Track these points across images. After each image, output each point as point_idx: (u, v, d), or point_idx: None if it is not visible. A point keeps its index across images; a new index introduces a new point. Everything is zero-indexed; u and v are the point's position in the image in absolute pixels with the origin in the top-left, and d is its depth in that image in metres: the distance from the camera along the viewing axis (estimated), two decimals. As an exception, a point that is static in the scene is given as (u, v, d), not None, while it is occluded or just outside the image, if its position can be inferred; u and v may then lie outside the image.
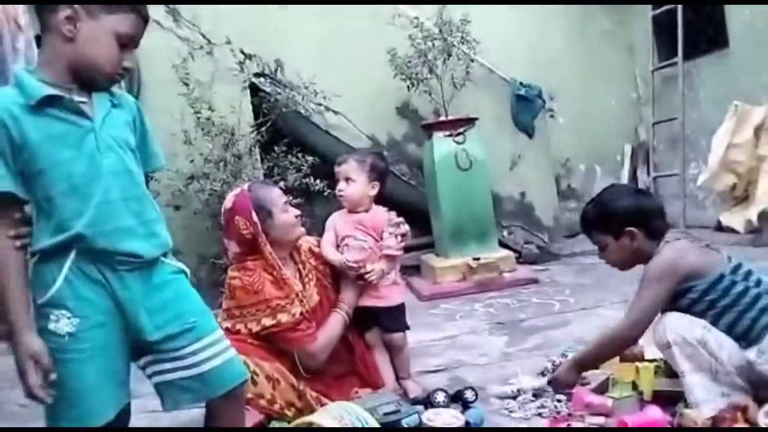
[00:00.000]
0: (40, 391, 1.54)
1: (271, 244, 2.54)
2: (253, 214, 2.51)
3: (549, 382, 2.44)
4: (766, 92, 5.61)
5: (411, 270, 5.92)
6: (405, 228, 2.76)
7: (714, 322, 2.12)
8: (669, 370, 2.37)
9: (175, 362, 1.68)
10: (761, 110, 5.55)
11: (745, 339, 2.11)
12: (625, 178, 7.26)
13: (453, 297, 4.91)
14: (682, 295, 2.18)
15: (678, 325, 2.13)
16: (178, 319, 1.68)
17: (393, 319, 2.80)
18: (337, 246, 2.79)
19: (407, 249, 6.09)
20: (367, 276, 2.68)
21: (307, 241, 2.80)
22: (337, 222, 2.83)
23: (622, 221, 2.29)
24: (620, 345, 2.27)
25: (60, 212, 1.58)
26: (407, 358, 2.85)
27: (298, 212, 2.67)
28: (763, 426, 1.93)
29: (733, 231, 5.58)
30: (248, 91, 5.40)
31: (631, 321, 2.20)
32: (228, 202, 2.58)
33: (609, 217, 2.31)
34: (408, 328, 2.87)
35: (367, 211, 2.81)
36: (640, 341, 2.67)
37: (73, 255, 1.59)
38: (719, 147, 5.66)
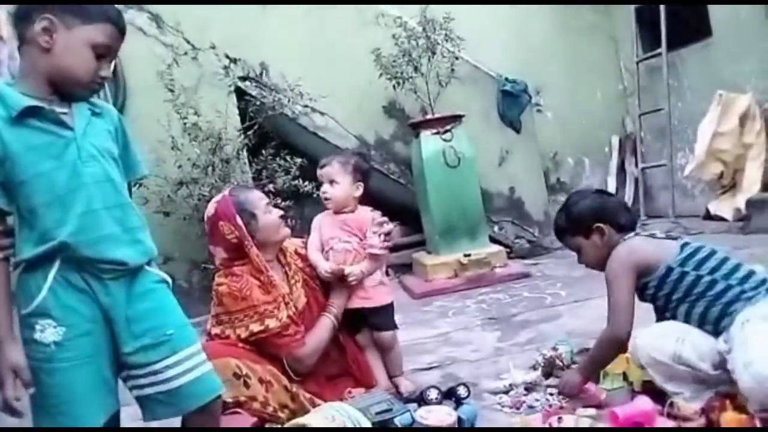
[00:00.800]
0: (15, 403, 1.54)
1: (256, 246, 2.54)
2: (237, 217, 2.51)
3: (559, 393, 2.43)
4: (750, 80, 5.64)
5: (403, 268, 5.94)
6: (389, 227, 2.76)
7: (674, 316, 2.18)
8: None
9: (149, 377, 1.68)
10: (745, 98, 5.59)
11: (710, 327, 2.11)
12: (613, 170, 7.29)
13: (445, 294, 4.92)
14: (642, 292, 2.27)
15: (648, 346, 2.16)
16: (154, 330, 1.68)
17: (381, 318, 2.80)
18: (323, 247, 2.79)
19: (398, 248, 6.17)
20: (348, 280, 2.68)
21: (293, 243, 2.80)
22: (322, 223, 2.84)
23: (588, 220, 2.39)
24: (615, 346, 2.27)
25: (43, 222, 1.58)
26: (398, 356, 2.86)
27: (281, 212, 2.67)
28: (753, 412, 1.94)
29: (721, 219, 5.62)
30: (234, 95, 5.39)
31: (614, 322, 2.24)
32: (210, 209, 2.58)
33: (576, 218, 2.43)
34: (396, 327, 2.87)
35: (352, 211, 2.81)
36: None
37: (57, 264, 1.60)
38: (705, 136, 5.70)
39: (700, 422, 2.00)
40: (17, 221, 1.61)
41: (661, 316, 2.27)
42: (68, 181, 1.59)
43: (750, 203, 5.21)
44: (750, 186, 5.50)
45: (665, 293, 2.20)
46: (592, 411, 2.14)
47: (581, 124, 7.22)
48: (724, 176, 5.82)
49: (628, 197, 7.18)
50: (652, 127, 6.92)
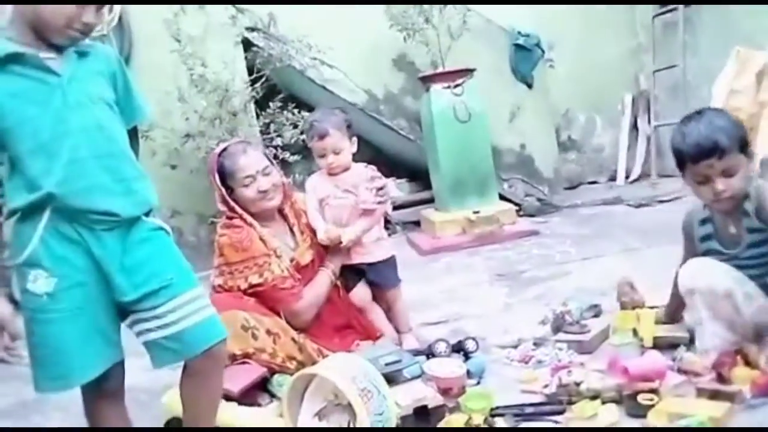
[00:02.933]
0: (3, 353, 1.56)
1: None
2: (217, 178, 2.52)
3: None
4: (768, 36, 5.50)
5: (411, 225, 5.92)
6: (382, 182, 2.71)
7: None
8: (669, 317, 2.38)
9: (153, 321, 1.65)
10: (763, 55, 5.45)
11: None
12: (625, 128, 7.19)
13: (453, 251, 4.89)
14: None
15: (706, 273, 2.11)
16: (154, 277, 1.65)
17: (380, 274, 2.77)
18: (320, 207, 2.76)
19: (407, 205, 6.14)
20: (343, 244, 2.65)
21: (301, 199, 2.78)
22: (316, 184, 2.78)
23: (749, 139, 2.07)
24: None
25: (29, 171, 1.55)
26: (403, 312, 2.83)
27: (265, 188, 2.54)
28: (765, 368, 1.93)
29: (733, 178, 5.54)
30: (241, 46, 5.31)
31: None
32: (209, 159, 2.59)
33: (745, 135, 2.05)
34: (399, 282, 2.84)
35: (347, 169, 2.75)
36: (640, 289, 2.69)
37: (47, 214, 1.57)
38: (720, 93, 5.57)
39: (710, 377, 1.98)
40: (8, 169, 1.58)
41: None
42: (53, 128, 1.55)
43: (763, 163, 5.12)
44: (764, 145, 5.40)
45: None
46: (599, 365, 2.13)
47: (594, 81, 7.07)
48: (739, 135, 5.71)
49: (640, 156, 7.09)
50: (666, 84, 6.78)
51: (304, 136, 4.86)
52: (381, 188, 2.72)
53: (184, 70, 4.91)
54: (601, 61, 7.10)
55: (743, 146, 2.01)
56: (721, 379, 1.97)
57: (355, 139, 2.77)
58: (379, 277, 2.79)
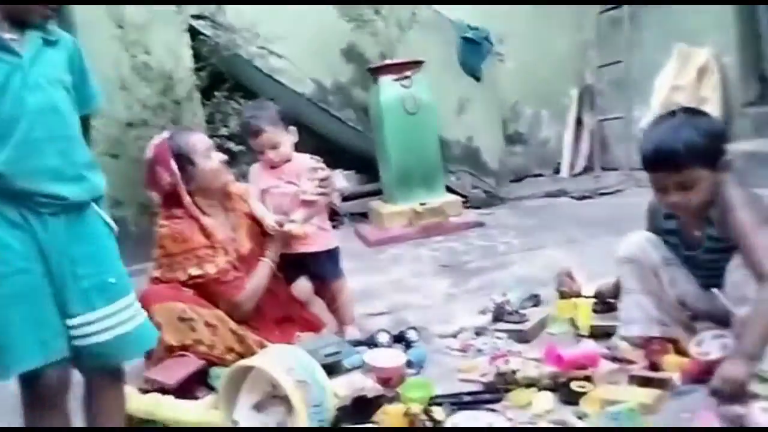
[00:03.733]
0: None
1: (196, 192, 2.50)
2: (172, 162, 2.45)
3: (714, 393, 1.70)
4: (709, 34, 5.66)
5: (359, 217, 5.91)
6: (324, 173, 2.70)
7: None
8: (604, 308, 2.43)
9: (90, 326, 1.61)
10: (704, 52, 5.61)
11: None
12: (570, 122, 7.31)
13: (399, 242, 4.91)
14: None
15: (642, 247, 2.14)
16: (95, 276, 1.62)
17: (323, 265, 2.77)
18: (261, 197, 2.73)
19: (355, 196, 6.13)
20: (288, 227, 2.62)
21: (238, 188, 2.74)
22: (258, 175, 2.76)
23: (723, 147, 1.89)
24: None
25: None
26: (347, 304, 2.83)
27: (223, 157, 2.59)
28: (695, 355, 1.98)
29: (674, 172, 5.68)
30: (187, 34, 5.20)
31: None
32: (148, 152, 2.51)
33: (716, 142, 1.88)
34: (341, 275, 2.83)
35: (289, 160, 2.73)
36: (578, 278, 2.74)
37: None
38: (662, 89, 5.73)
39: (642, 365, 2.03)
40: None
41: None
42: (10, 108, 1.51)
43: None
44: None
45: None
46: (536, 354, 2.16)
47: (541, 75, 7.16)
48: (678, 130, 5.87)
49: (584, 149, 7.22)
50: (610, 79, 6.92)
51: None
52: (324, 179, 2.70)
53: (126, 57, 4.78)
54: (548, 56, 7.19)
55: (710, 159, 1.85)
56: (653, 366, 2.02)
57: (293, 128, 2.74)
58: (322, 269, 2.78)
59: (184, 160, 2.47)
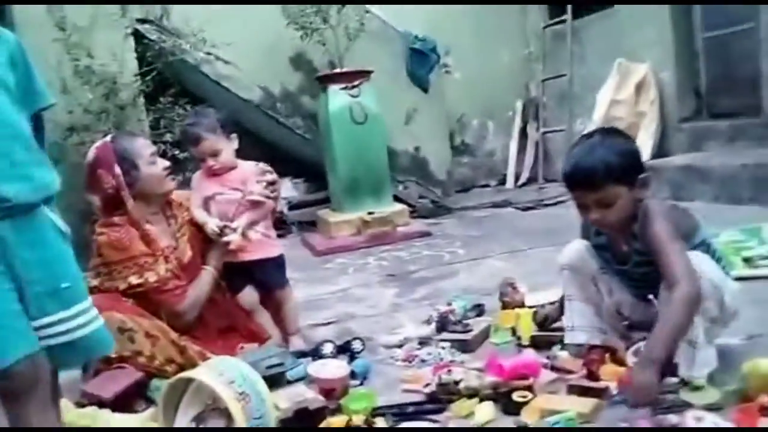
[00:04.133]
0: None
1: (138, 197, 2.45)
2: (116, 166, 2.40)
3: (633, 405, 1.76)
4: (647, 50, 5.85)
5: (307, 226, 5.89)
6: (273, 177, 2.68)
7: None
8: (543, 320, 2.47)
9: (46, 329, 1.57)
10: (642, 67, 5.79)
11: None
12: (515, 134, 7.45)
13: (347, 251, 4.92)
14: None
15: (581, 256, 2.19)
16: (48, 280, 1.57)
17: (267, 273, 2.74)
18: (205, 205, 2.69)
19: (303, 205, 6.11)
20: (227, 239, 2.59)
21: (181, 196, 2.70)
22: (201, 182, 2.72)
23: (639, 166, 1.96)
24: (695, 305, 1.82)
25: None
26: (292, 313, 2.81)
27: (167, 164, 2.55)
28: (631, 365, 2.03)
29: (614, 184, 5.83)
30: (131, 38, 5.11)
31: (688, 277, 1.81)
32: (90, 155, 2.45)
33: (631, 161, 1.93)
34: (286, 283, 2.82)
35: (234, 167, 2.70)
36: (521, 289, 2.79)
37: None
38: (603, 103, 5.88)
39: (581, 374, 2.08)
40: None
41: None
42: None
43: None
44: (643, 154, 5.74)
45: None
46: (479, 364, 2.18)
47: (487, 87, 7.30)
48: (619, 143, 6.04)
49: (529, 161, 7.36)
50: (554, 92, 7.08)
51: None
52: (272, 182, 2.68)
53: (68, 60, 4.68)
54: (494, 69, 7.33)
55: (626, 177, 1.90)
56: (591, 376, 2.06)
57: (234, 136, 2.71)
58: (266, 277, 2.76)
59: (127, 164, 2.42)
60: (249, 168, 2.72)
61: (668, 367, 1.93)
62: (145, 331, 2.28)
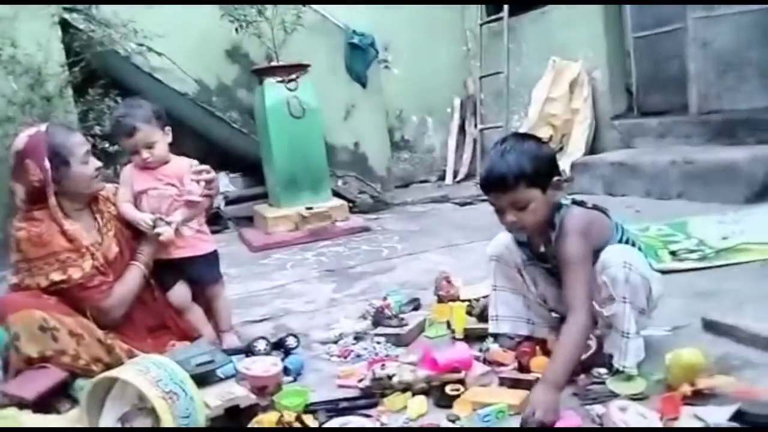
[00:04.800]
0: None
1: (63, 194, 2.36)
2: (46, 160, 2.29)
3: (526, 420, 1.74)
4: (581, 49, 5.98)
5: (244, 221, 5.80)
6: (210, 175, 2.62)
7: None
8: (480, 312, 2.49)
9: None
10: (576, 66, 5.92)
11: None
12: (454, 130, 7.51)
13: (285, 247, 4.86)
14: None
15: (508, 248, 2.21)
16: None
17: (201, 269, 2.67)
18: (135, 200, 2.61)
19: (239, 200, 6.01)
20: (160, 235, 2.51)
21: (107, 190, 2.61)
22: (133, 177, 2.63)
23: (554, 170, 2.01)
24: (585, 335, 1.93)
25: None
26: (224, 310, 2.76)
27: (99, 164, 2.46)
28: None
29: (549, 180, 5.94)
30: (58, 27, 4.92)
31: (584, 308, 1.90)
32: (20, 142, 2.33)
33: (543, 164, 1.97)
34: (220, 277, 2.77)
35: (166, 162, 2.63)
36: (456, 283, 2.81)
37: None
38: (538, 100, 5.99)
39: (512, 367, 2.10)
40: None
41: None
42: None
43: (574, 166, 5.56)
44: (575, 150, 5.88)
45: None
46: (413, 358, 2.18)
47: (426, 84, 7.33)
48: (553, 140, 6.16)
49: (467, 157, 7.43)
50: (491, 89, 7.17)
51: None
52: (210, 181, 2.62)
53: (-10, 49, 4.48)
54: (433, 65, 7.37)
55: (538, 180, 1.95)
56: (522, 368, 2.09)
57: (169, 129, 2.64)
58: (199, 273, 2.69)
59: (59, 160, 2.32)
60: (183, 163, 2.64)
61: (599, 358, 1.99)
62: (68, 330, 2.19)
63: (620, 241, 2.06)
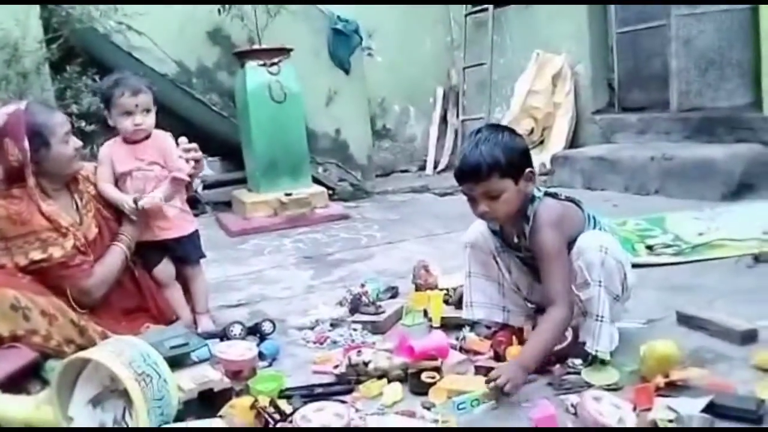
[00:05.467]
0: None
1: (42, 174, 2.32)
2: (26, 140, 2.25)
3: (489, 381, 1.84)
4: (564, 43, 5.99)
5: (222, 206, 5.75)
6: (198, 154, 2.60)
7: None
8: (458, 300, 2.48)
9: None
10: (559, 59, 5.94)
11: None
12: (435, 120, 7.50)
13: (263, 233, 4.83)
14: None
15: (483, 234, 2.21)
16: None
17: (184, 248, 2.66)
18: (116, 180, 2.58)
19: (218, 184, 5.95)
20: (142, 203, 2.48)
21: (86, 169, 2.57)
22: (114, 155, 2.58)
23: (525, 161, 2.03)
24: (563, 327, 1.97)
25: None
26: (203, 291, 2.73)
27: (79, 144, 2.42)
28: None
29: (529, 172, 5.96)
30: (36, 3, 4.82)
31: (564, 301, 1.95)
32: None
33: (516, 156, 2.00)
34: (203, 256, 2.75)
35: (147, 137, 2.60)
36: (434, 271, 2.80)
37: None
38: (521, 92, 6.00)
39: (488, 355, 2.11)
40: None
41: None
42: None
43: (554, 159, 5.59)
44: (556, 143, 5.90)
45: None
46: (389, 345, 2.18)
47: (409, 73, 7.31)
48: (534, 132, 6.19)
49: (448, 147, 7.43)
50: (474, 80, 7.17)
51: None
52: (197, 161, 2.59)
53: (-36, 23, 4.38)
54: (417, 54, 7.35)
55: (510, 171, 1.97)
56: (498, 357, 2.09)
57: (155, 108, 2.61)
58: (185, 251, 2.67)
59: (39, 140, 2.27)
60: (166, 139, 2.61)
61: (574, 348, 2.00)
62: (41, 310, 2.15)
63: (594, 226, 2.09)
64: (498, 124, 2.27)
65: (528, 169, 2.02)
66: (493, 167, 1.95)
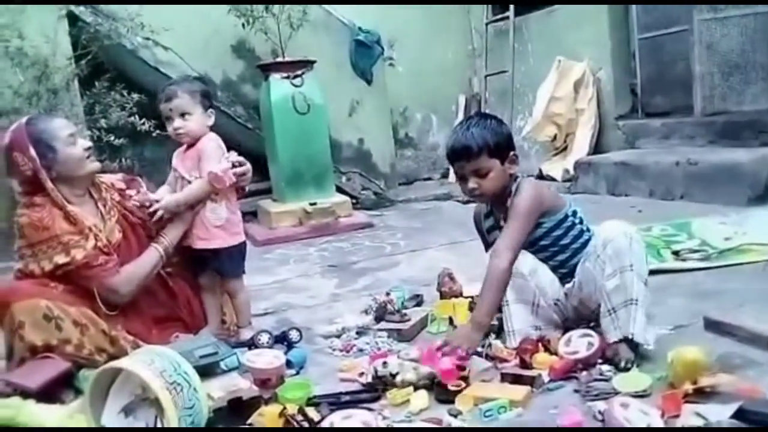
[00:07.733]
0: None
1: (59, 179, 2.38)
2: (31, 149, 2.32)
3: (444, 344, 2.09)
4: (586, 49, 5.97)
5: (248, 216, 5.80)
6: (245, 168, 2.62)
7: (550, 257, 2.29)
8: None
9: None
10: (581, 66, 5.92)
11: (570, 276, 2.27)
12: (458, 128, 7.50)
13: (288, 242, 4.88)
14: (534, 228, 2.27)
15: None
16: None
17: (220, 262, 2.61)
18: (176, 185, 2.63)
19: (245, 194, 5.98)
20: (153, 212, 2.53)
21: (110, 178, 2.64)
22: (174, 160, 2.64)
23: (510, 144, 2.30)
24: (503, 279, 2.17)
25: None
26: (245, 305, 2.71)
27: (88, 144, 2.47)
28: (563, 354, 2.08)
29: (552, 179, 5.96)
30: (66, 20, 4.93)
31: (506, 252, 2.16)
32: (6, 138, 2.36)
33: (503, 139, 2.26)
34: (243, 273, 2.70)
35: (196, 141, 2.60)
36: (459, 279, 2.82)
37: None
38: (542, 100, 5.99)
39: (514, 363, 2.11)
40: None
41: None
42: None
43: (577, 165, 5.57)
44: (579, 149, 5.88)
45: (556, 234, 2.27)
46: (415, 354, 2.19)
47: (431, 81, 7.34)
48: (557, 139, 6.17)
49: (471, 155, 7.42)
50: (496, 88, 7.17)
51: (132, 119, 4.68)
52: (242, 174, 2.61)
53: (-3, 41, 4.49)
54: (438, 63, 7.38)
55: (497, 152, 2.23)
56: (524, 364, 2.10)
57: (212, 112, 2.63)
58: (220, 266, 2.63)
59: (43, 146, 2.34)
60: (205, 142, 2.59)
61: (595, 357, 2.01)
62: (73, 319, 2.21)
63: (573, 216, 2.29)
64: (486, 113, 2.55)
65: (512, 152, 2.28)
66: (482, 147, 2.22)
